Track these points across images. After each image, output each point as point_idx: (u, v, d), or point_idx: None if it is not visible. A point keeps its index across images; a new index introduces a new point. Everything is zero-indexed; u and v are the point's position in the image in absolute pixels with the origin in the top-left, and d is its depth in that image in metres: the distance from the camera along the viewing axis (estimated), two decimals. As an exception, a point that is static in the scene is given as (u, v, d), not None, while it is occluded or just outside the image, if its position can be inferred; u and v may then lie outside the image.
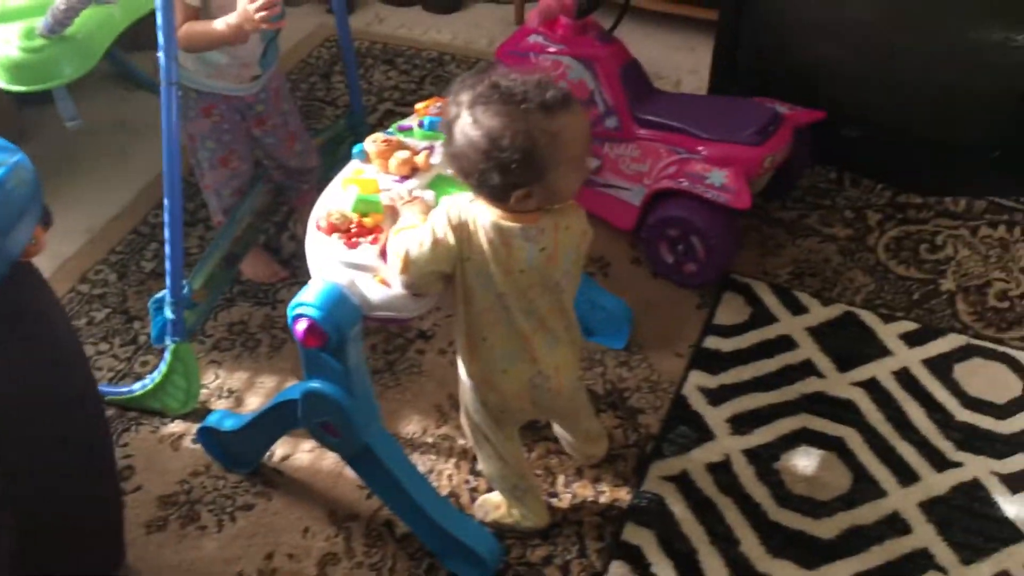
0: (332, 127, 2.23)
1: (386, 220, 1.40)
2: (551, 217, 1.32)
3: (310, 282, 1.36)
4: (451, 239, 1.29)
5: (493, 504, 1.64)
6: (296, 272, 2.12)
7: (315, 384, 1.41)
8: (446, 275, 1.34)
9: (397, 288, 1.33)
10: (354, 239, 1.38)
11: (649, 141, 2.13)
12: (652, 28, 2.95)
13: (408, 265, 1.29)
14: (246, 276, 2.08)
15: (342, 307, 1.31)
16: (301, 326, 1.32)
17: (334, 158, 2.21)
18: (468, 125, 1.23)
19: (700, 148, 2.05)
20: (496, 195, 1.26)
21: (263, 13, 1.60)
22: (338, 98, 2.69)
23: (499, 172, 1.22)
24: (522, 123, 1.20)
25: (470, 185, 1.29)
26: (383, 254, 1.36)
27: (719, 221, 2.01)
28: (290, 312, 1.34)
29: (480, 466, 1.60)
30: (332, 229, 1.39)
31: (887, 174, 2.37)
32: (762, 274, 2.13)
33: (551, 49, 2.17)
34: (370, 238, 1.38)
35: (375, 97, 2.69)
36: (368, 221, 1.40)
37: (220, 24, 1.66)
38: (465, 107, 1.24)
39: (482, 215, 1.30)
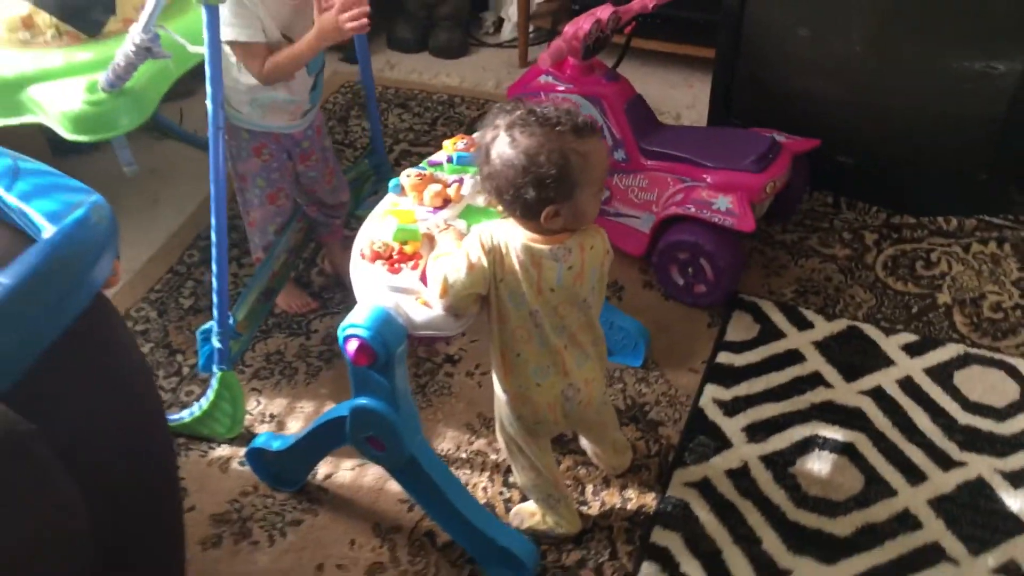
0: (356, 166, 2.35)
1: (424, 247, 1.52)
2: (576, 238, 1.44)
3: (357, 305, 1.47)
4: (484, 262, 1.41)
5: (528, 512, 1.73)
6: (326, 303, 2.23)
7: (363, 400, 1.51)
8: (482, 296, 1.45)
9: (438, 309, 1.44)
10: (396, 265, 1.49)
11: (656, 172, 2.26)
12: (651, 67, 3.10)
13: (447, 289, 1.40)
14: (280, 308, 2.19)
15: (389, 327, 1.42)
16: (352, 346, 1.43)
17: (358, 196, 2.33)
18: (507, 144, 1.35)
19: (705, 176, 2.18)
20: (528, 212, 1.38)
21: (353, 24, 1.72)
22: (355, 140, 2.83)
23: (535, 187, 1.33)
24: (557, 143, 1.32)
25: (503, 203, 1.40)
26: (423, 278, 1.47)
27: (726, 244, 2.13)
28: (340, 333, 1.44)
29: (515, 477, 1.70)
30: (376, 257, 1.50)
31: (881, 197, 2.50)
32: (768, 293, 2.25)
33: (560, 88, 2.30)
34: (411, 264, 1.50)
35: (391, 138, 2.83)
36: (408, 248, 1.51)
37: (300, 45, 1.78)
38: (503, 129, 1.36)
39: (513, 239, 1.42)
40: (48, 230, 1.20)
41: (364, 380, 1.49)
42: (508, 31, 3.34)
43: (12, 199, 1.25)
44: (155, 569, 1.54)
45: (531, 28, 3.23)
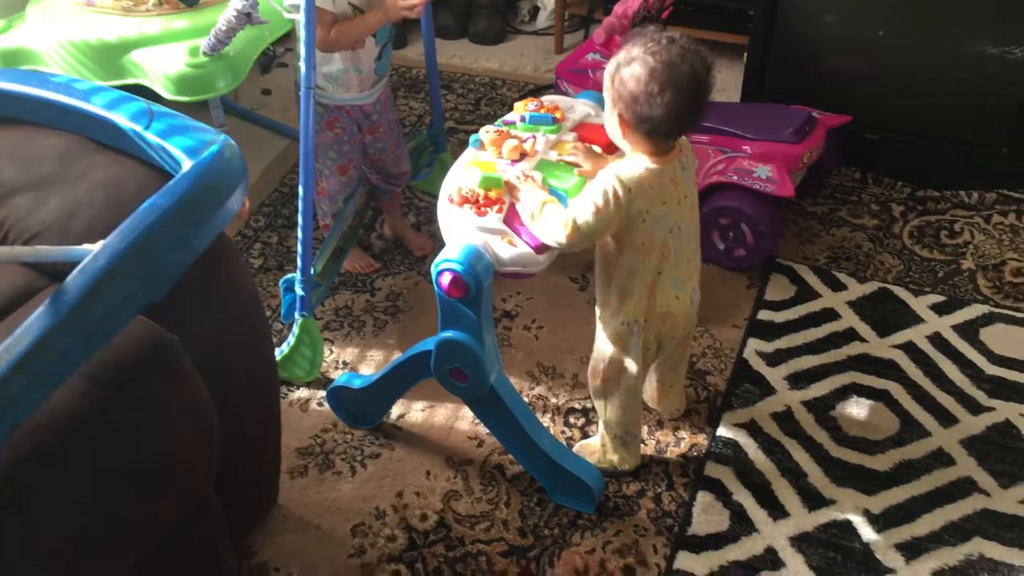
0: (416, 136, 2.49)
1: (506, 194, 1.66)
2: (681, 142, 1.61)
3: (449, 244, 1.60)
4: (612, 207, 1.52)
5: (589, 450, 1.87)
6: (387, 264, 2.37)
7: (450, 333, 1.65)
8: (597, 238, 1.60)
9: (522, 247, 1.58)
10: (483, 209, 1.63)
11: (697, 144, 2.40)
12: (683, 52, 3.24)
13: (575, 231, 1.52)
14: (345, 268, 2.32)
15: (480, 262, 1.56)
16: (446, 279, 1.56)
17: (415, 166, 2.47)
18: (691, 67, 1.49)
19: (745, 147, 2.32)
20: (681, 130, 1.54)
21: (406, 4, 1.88)
22: (403, 119, 2.97)
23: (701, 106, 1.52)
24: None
25: (659, 126, 1.50)
26: (506, 221, 1.61)
27: (766, 209, 2.27)
28: (435, 269, 1.58)
29: (604, 416, 1.80)
30: (464, 201, 1.64)
31: (906, 172, 2.65)
32: (802, 258, 2.39)
33: (606, 65, 2.44)
34: (495, 208, 1.63)
35: (437, 117, 2.96)
36: (492, 195, 1.65)
37: (368, 17, 1.93)
38: (677, 54, 1.49)
39: (644, 172, 1.54)
40: (187, 163, 1.34)
41: (452, 314, 1.62)
42: (543, 19, 3.49)
43: (152, 136, 1.39)
44: (256, 485, 1.68)
45: (566, 15, 3.37)
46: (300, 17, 1.78)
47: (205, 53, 1.86)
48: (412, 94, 3.12)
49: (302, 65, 1.82)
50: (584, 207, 1.53)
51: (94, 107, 1.45)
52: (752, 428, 1.94)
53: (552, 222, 1.54)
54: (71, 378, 1.15)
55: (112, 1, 2.01)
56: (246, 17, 1.76)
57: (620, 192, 1.52)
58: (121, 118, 1.42)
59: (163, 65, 1.88)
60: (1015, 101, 2.47)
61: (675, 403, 1.95)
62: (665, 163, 1.56)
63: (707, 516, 1.77)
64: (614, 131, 1.59)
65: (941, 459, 1.87)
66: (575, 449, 1.89)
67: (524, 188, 1.64)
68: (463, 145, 1.81)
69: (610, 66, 1.55)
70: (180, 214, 1.25)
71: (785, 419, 1.96)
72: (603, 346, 1.73)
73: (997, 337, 2.14)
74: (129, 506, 1.25)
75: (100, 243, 1.20)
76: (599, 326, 1.73)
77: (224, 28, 1.79)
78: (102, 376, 1.21)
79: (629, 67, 1.50)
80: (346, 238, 2.22)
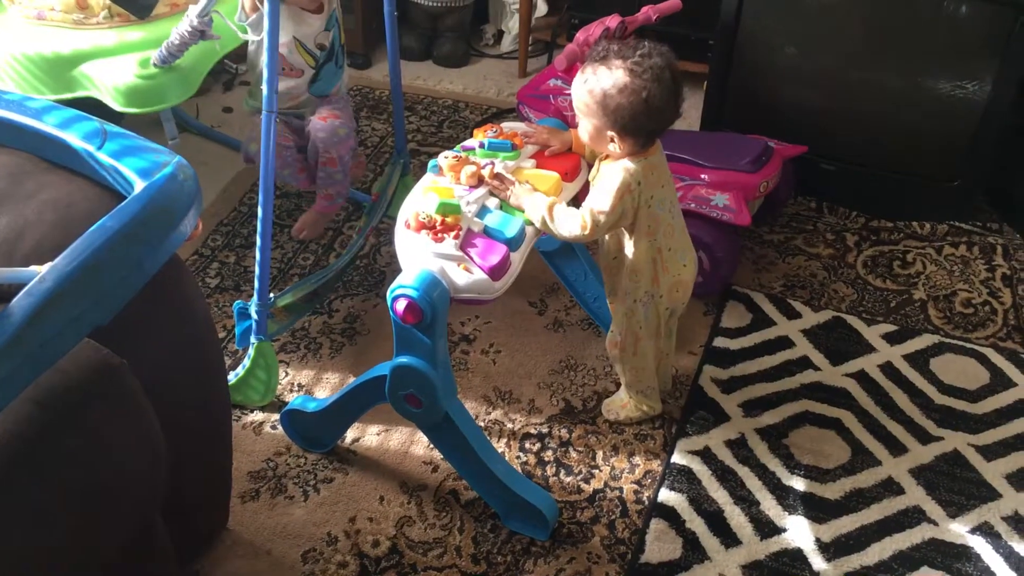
0: (391, 170, 2.48)
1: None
2: None
3: (405, 269, 1.60)
4: (624, 204, 1.68)
5: (620, 403, 2.01)
6: (346, 286, 2.35)
7: (405, 359, 1.64)
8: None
9: (478, 274, 1.58)
10: (439, 235, 1.63)
11: (656, 171, 2.43)
12: (645, 79, 3.28)
13: (594, 226, 1.67)
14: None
15: (435, 288, 1.56)
16: (401, 305, 1.56)
17: (384, 191, 2.45)
18: (664, 81, 1.62)
19: (703, 175, 2.34)
20: (656, 135, 1.70)
21: None
22: (365, 140, 2.96)
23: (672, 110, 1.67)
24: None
25: (639, 130, 1.65)
26: (462, 247, 1.61)
27: (723, 237, 2.30)
28: (390, 295, 1.57)
29: (625, 378, 1.98)
30: (420, 227, 1.64)
31: (861, 202, 2.69)
32: (758, 286, 2.42)
33: (567, 91, 2.46)
34: (452, 234, 1.63)
35: (399, 139, 2.96)
36: (449, 220, 1.65)
37: None
38: (650, 71, 1.61)
39: (640, 166, 1.69)
40: (139, 185, 1.33)
41: (407, 340, 1.62)
42: (507, 43, 3.51)
43: (104, 157, 1.38)
44: (204, 509, 1.66)
45: (530, 40, 3.39)
46: (263, 38, 1.78)
47: (155, 65, 1.84)
48: (375, 115, 3.12)
49: (264, 88, 1.81)
50: (600, 202, 1.68)
51: (46, 126, 1.43)
52: (706, 455, 1.95)
53: (568, 221, 1.68)
54: (15, 402, 1.13)
55: (62, 14, 1.99)
56: (200, 34, 1.75)
57: (632, 184, 1.68)
58: (74, 137, 1.41)
59: (113, 77, 1.86)
60: (966, 134, 2.53)
61: (665, 376, 2.06)
62: (655, 152, 1.72)
63: (660, 544, 1.77)
64: (601, 146, 1.73)
65: (891, 488, 1.89)
66: (604, 406, 2.03)
67: (520, 195, 1.70)
68: (424, 168, 1.82)
69: (592, 91, 1.65)
70: (130, 236, 1.24)
71: (739, 446, 1.97)
72: (619, 324, 1.89)
73: (946, 367, 2.18)
74: (72, 533, 1.23)
75: (47, 265, 1.19)
76: (612, 309, 1.90)
77: (176, 42, 1.78)
78: (47, 400, 1.19)
79: (622, 93, 1.62)
80: (329, 286, 2.18)
